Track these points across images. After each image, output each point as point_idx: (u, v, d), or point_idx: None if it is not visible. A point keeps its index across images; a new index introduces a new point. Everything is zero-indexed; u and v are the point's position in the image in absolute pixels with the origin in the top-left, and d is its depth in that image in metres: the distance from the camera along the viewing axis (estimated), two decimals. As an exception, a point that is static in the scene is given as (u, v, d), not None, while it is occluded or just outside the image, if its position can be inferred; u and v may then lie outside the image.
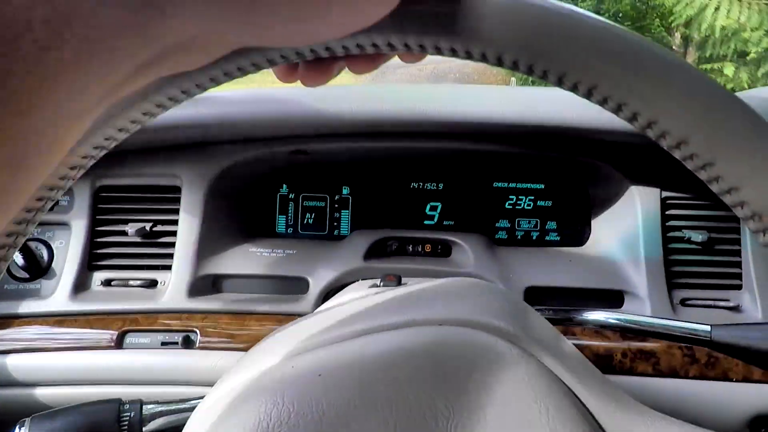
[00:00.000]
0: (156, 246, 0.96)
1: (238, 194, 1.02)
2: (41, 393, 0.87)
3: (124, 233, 0.94)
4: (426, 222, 1.05)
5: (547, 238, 1.04)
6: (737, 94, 0.92)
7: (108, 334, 0.88)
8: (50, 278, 0.93)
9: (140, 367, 0.87)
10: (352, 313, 0.55)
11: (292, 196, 1.06)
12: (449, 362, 0.45)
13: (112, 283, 0.94)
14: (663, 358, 0.84)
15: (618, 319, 0.76)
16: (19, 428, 0.64)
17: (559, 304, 0.93)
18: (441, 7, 0.30)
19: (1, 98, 0.20)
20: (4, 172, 0.22)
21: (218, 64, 0.32)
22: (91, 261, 0.94)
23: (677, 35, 10.99)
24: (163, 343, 0.88)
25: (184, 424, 0.51)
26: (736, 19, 6.52)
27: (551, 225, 1.04)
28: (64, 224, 0.94)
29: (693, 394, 0.82)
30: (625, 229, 0.95)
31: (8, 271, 0.92)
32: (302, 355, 0.48)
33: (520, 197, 1.04)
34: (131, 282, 0.94)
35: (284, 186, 1.06)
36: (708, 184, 0.32)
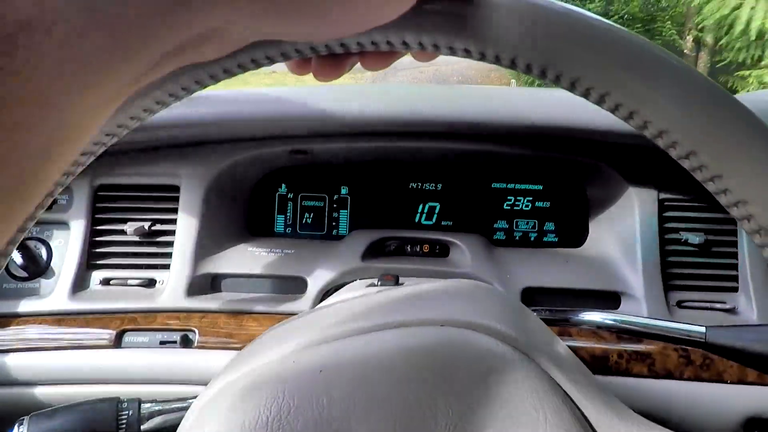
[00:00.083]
0: (155, 245, 0.96)
1: (236, 194, 1.02)
2: (40, 392, 0.87)
3: (122, 232, 0.94)
4: (424, 222, 1.05)
5: (545, 239, 1.04)
6: (739, 97, 0.92)
7: (106, 333, 0.88)
8: (49, 277, 0.93)
9: (139, 366, 0.87)
10: (354, 310, 0.55)
11: (290, 195, 1.06)
12: (450, 363, 0.45)
13: (111, 282, 0.94)
14: (658, 360, 0.84)
15: (613, 320, 0.76)
16: (18, 427, 0.64)
17: (556, 305, 0.93)
18: (457, 8, 0.31)
19: (32, 88, 0.20)
20: (35, 161, 0.22)
21: (233, 56, 0.32)
22: (89, 260, 0.95)
23: (689, 39, 10.84)
24: (162, 343, 0.88)
25: None
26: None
27: (549, 226, 1.04)
28: (62, 223, 0.95)
29: (688, 396, 0.83)
30: (622, 230, 0.95)
31: (7, 270, 0.92)
32: (304, 351, 0.48)
33: (518, 198, 1.05)
34: (130, 281, 0.94)
35: (283, 185, 1.06)
36: (716, 196, 0.32)
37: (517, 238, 1.05)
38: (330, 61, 0.37)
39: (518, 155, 0.97)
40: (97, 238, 0.95)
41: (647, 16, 11.45)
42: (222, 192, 0.98)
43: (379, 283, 0.85)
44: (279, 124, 0.93)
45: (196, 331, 0.89)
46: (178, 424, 0.48)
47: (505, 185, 1.05)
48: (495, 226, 1.05)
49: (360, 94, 0.94)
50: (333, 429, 0.40)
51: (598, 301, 0.93)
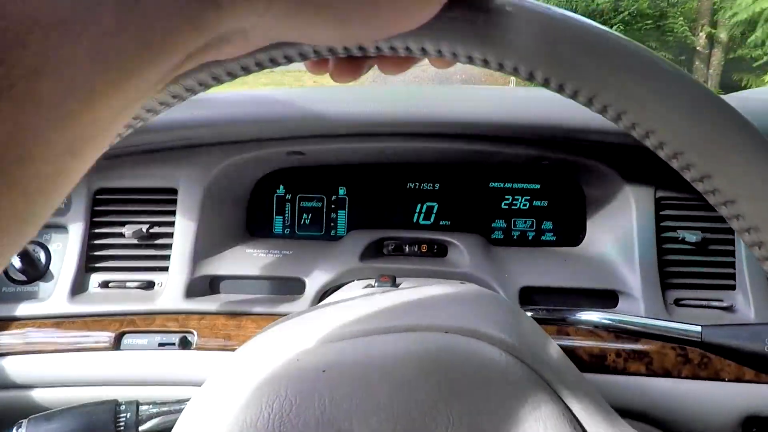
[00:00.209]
0: (153, 248, 0.97)
1: (234, 195, 1.02)
2: (39, 394, 0.87)
3: (121, 235, 0.95)
4: (422, 222, 1.06)
5: (543, 238, 1.04)
6: (727, 97, 0.92)
7: (105, 336, 0.88)
8: (48, 281, 0.94)
9: (138, 368, 0.87)
10: (358, 312, 0.55)
11: (288, 196, 1.06)
12: (453, 370, 0.45)
13: (110, 285, 0.95)
14: (656, 359, 0.84)
15: (610, 320, 0.77)
16: (17, 429, 0.65)
17: (554, 304, 0.93)
18: (478, 18, 0.31)
19: (64, 87, 0.21)
20: (63, 159, 0.23)
21: (252, 54, 0.32)
22: (88, 263, 0.95)
23: (702, 35, 10.74)
24: (161, 344, 0.89)
25: None
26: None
27: (547, 225, 1.04)
28: (61, 227, 0.95)
29: (686, 395, 0.83)
30: (619, 229, 0.95)
31: (6, 273, 0.92)
32: (307, 350, 0.48)
33: (515, 197, 1.05)
34: (128, 284, 0.94)
35: (281, 187, 1.06)
36: (705, 195, 0.33)
37: (515, 237, 1.05)
38: (348, 62, 0.37)
39: (515, 155, 0.97)
40: (96, 242, 0.96)
41: (656, 11, 11.33)
42: (220, 194, 0.98)
43: (376, 283, 0.85)
44: (276, 126, 0.93)
45: (195, 332, 0.89)
46: None
47: (502, 185, 1.05)
48: (493, 225, 1.05)
49: (357, 95, 0.94)
50: (334, 429, 0.40)
51: (595, 300, 0.93)
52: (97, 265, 0.95)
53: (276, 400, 0.41)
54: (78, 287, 0.93)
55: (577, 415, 0.48)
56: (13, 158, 0.20)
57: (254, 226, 1.06)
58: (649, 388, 0.83)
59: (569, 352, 0.84)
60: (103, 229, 0.96)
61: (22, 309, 0.91)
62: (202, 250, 0.95)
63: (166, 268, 0.95)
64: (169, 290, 0.93)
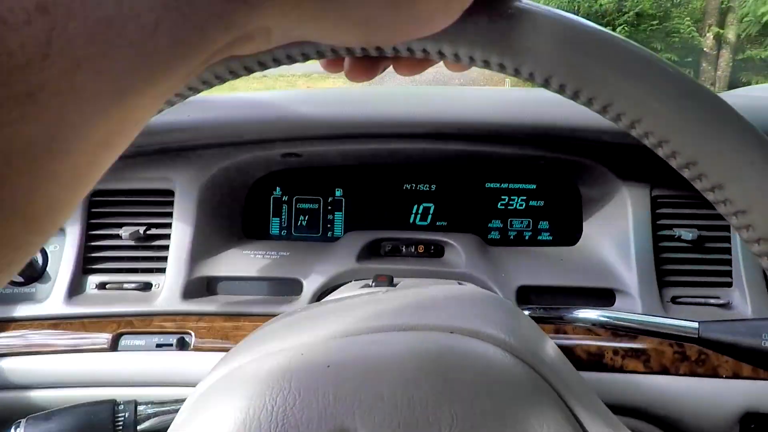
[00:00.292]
0: (150, 249, 0.97)
1: (231, 197, 1.02)
2: (37, 395, 0.87)
3: (118, 237, 0.95)
4: (419, 223, 1.06)
5: (540, 237, 1.05)
6: (722, 94, 0.93)
7: (103, 337, 0.88)
8: (45, 282, 0.94)
9: (135, 369, 0.87)
10: (363, 309, 0.55)
11: (285, 198, 1.06)
12: (457, 370, 0.45)
13: (107, 286, 0.94)
14: (653, 356, 0.84)
15: (607, 317, 0.77)
16: (15, 429, 0.65)
17: (552, 303, 0.93)
18: (498, 24, 0.31)
19: (103, 83, 0.21)
20: (96, 150, 0.23)
21: (271, 51, 0.33)
22: (85, 265, 0.95)
23: (709, 36, 10.54)
24: (158, 345, 0.88)
25: None
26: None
27: (543, 225, 1.05)
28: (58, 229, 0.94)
29: (683, 392, 0.83)
30: (616, 227, 0.96)
31: (3, 274, 0.92)
32: (312, 345, 0.48)
33: (512, 197, 1.05)
34: (126, 285, 0.94)
35: (277, 188, 1.06)
36: (692, 182, 0.33)
37: (512, 237, 1.05)
38: (363, 62, 0.37)
39: (512, 155, 0.97)
40: (93, 243, 0.96)
41: (660, 12, 11.15)
42: (216, 195, 0.98)
43: (373, 284, 0.85)
44: (271, 128, 0.94)
45: (192, 333, 0.89)
46: None
47: (498, 185, 1.05)
48: (489, 225, 1.05)
49: (352, 96, 0.95)
50: (337, 424, 0.40)
51: (592, 299, 0.93)
52: (94, 266, 0.95)
53: (280, 393, 0.41)
54: (75, 289, 0.93)
55: (578, 416, 0.48)
56: (52, 151, 0.21)
57: (251, 228, 1.06)
58: (647, 386, 0.83)
59: (567, 350, 0.84)
60: (100, 231, 0.96)
61: (20, 310, 0.91)
62: (199, 252, 0.95)
63: (163, 270, 0.95)
64: (167, 291, 0.92)
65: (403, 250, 1.02)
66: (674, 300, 0.90)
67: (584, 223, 1.02)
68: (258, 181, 1.05)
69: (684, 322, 0.70)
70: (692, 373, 0.84)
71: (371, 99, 0.94)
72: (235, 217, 1.03)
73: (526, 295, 0.94)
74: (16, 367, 0.87)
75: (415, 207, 1.06)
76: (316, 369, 0.44)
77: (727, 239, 0.92)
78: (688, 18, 11.03)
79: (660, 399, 0.83)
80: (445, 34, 0.31)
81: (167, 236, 0.96)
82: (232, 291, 0.97)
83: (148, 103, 0.24)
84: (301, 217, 1.06)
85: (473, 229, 1.04)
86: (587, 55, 0.31)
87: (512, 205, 1.05)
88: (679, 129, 0.31)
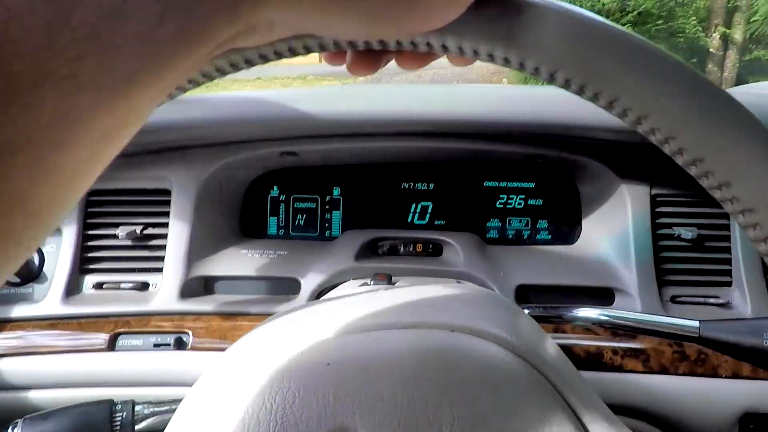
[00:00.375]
0: (147, 249, 0.96)
1: (228, 196, 1.02)
2: (34, 396, 0.87)
3: (114, 236, 0.94)
4: (417, 222, 1.05)
5: (538, 236, 1.04)
6: (730, 90, 0.92)
7: (100, 337, 0.88)
8: (42, 282, 0.93)
9: (133, 369, 0.87)
10: (362, 307, 0.55)
11: (282, 197, 1.06)
12: (458, 369, 0.45)
13: (104, 286, 0.94)
14: (653, 355, 0.84)
15: (607, 316, 0.76)
16: (12, 430, 0.64)
17: (550, 302, 0.93)
18: (503, 17, 0.31)
19: (108, 75, 0.21)
20: (101, 143, 0.23)
21: (273, 44, 0.32)
22: (82, 265, 0.95)
23: (715, 36, 10.33)
24: (156, 345, 0.88)
25: None
26: None
27: (542, 224, 1.04)
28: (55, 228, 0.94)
29: (683, 391, 0.83)
30: (615, 226, 0.95)
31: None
32: (312, 343, 0.48)
33: (510, 196, 1.05)
34: (123, 285, 0.94)
35: (275, 187, 1.06)
36: (698, 180, 0.33)
37: (510, 236, 1.05)
38: (366, 56, 0.37)
39: (510, 153, 0.97)
40: (89, 243, 0.95)
41: (664, 11, 10.93)
42: (213, 195, 0.98)
43: (372, 282, 0.85)
44: (268, 126, 0.93)
45: (190, 333, 0.89)
46: None
47: (497, 183, 1.05)
48: (488, 224, 1.05)
49: (349, 94, 0.94)
50: (337, 423, 0.39)
51: (591, 298, 0.93)
52: (91, 266, 0.95)
53: (279, 392, 0.41)
54: (72, 289, 0.93)
55: (579, 415, 0.48)
56: (53, 143, 0.21)
57: (248, 227, 1.05)
58: (646, 386, 0.83)
59: (566, 350, 0.84)
60: (97, 231, 0.96)
61: (16, 311, 0.90)
62: (196, 251, 0.95)
63: (160, 269, 0.94)
64: (164, 291, 0.92)
65: (401, 249, 1.02)
66: (674, 299, 0.90)
67: (583, 222, 1.02)
68: (255, 180, 1.05)
69: (684, 321, 0.70)
70: (691, 373, 0.83)
71: (369, 97, 0.93)
72: (232, 216, 1.03)
73: (524, 295, 0.94)
74: (12, 367, 0.87)
75: (413, 206, 1.05)
76: (316, 367, 0.43)
77: (727, 238, 0.92)
78: (694, 18, 10.80)
79: (659, 399, 0.83)
80: (450, 27, 0.31)
81: (164, 236, 0.95)
82: (230, 290, 0.97)
83: (152, 96, 0.24)
84: (299, 216, 1.06)
85: (472, 228, 1.04)
86: (594, 49, 0.31)
87: (511, 203, 1.04)
88: (686, 125, 0.31)
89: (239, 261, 0.97)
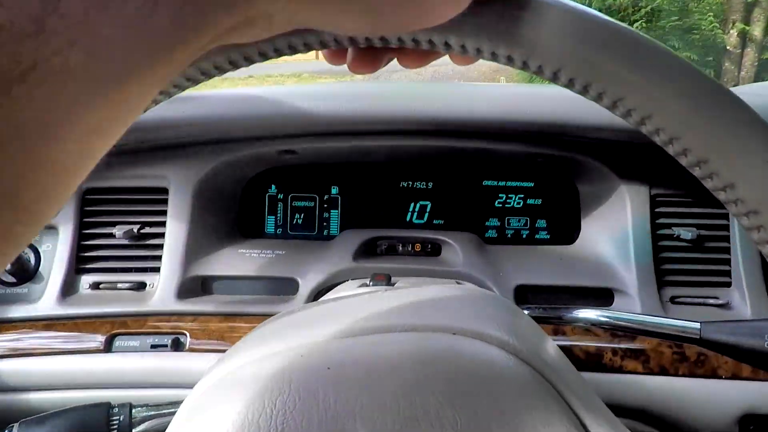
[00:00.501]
0: (144, 248, 0.96)
1: (226, 195, 1.01)
2: (30, 398, 0.86)
3: (111, 236, 0.94)
4: (415, 221, 1.05)
5: (537, 236, 1.04)
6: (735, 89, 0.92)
7: (97, 338, 0.87)
8: (38, 282, 0.92)
9: (130, 371, 0.86)
10: (364, 308, 0.54)
11: (280, 196, 1.05)
12: (461, 373, 0.44)
13: (101, 286, 0.93)
14: (653, 356, 0.84)
15: (608, 318, 0.76)
16: (7, 433, 0.64)
17: (550, 303, 0.93)
18: (506, 14, 0.31)
19: (96, 64, 0.20)
20: (92, 137, 0.22)
21: (272, 39, 0.32)
22: (78, 264, 0.94)
23: (733, 33, 10.05)
24: (153, 346, 0.87)
25: None
26: None
27: (541, 223, 1.04)
28: (50, 227, 0.94)
29: (683, 392, 0.82)
30: (614, 226, 0.95)
31: (-5, 275, 0.91)
32: (312, 346, 0.47)
33: (509, 195, 1.04)
34: (119, 285, 0.93)
35: (273, 186, 1.05)
36: (702, 181, 0.33)
37: (509, 235, 1.04)
38: (367, 54, 0.36)
39: (509, 152, 0.96)
40: (86, 242, 0.95)
41: (677, 6, 10.51)
42: (211, 193, 0.97)
43: (371, 283, 0.84)
44: (266, 124, 0.93)
45: (187, 334, 0.88)
46: None
47: (496, 183, 1.04)
48: (487, 224, 1.04)
49: (348, 92, 0.94)
50: (338, 428, 0.39)
51: (591, 299, 0.93)
52: (87, 266, 0.94)
53: (279, 396, 0.40)
54: (68, 289, 0.92)
55: (582, 420, 0.47)
56: (41, 136, 0.20)
57: (246, 226, 1.05)
58: (646, 387, 0.83)
59: (566, 351, 0.84)
60: (93, 230, 0.95)
61: (12, 311, 0.90)
62: (193, 251, 0.94)
63: (157, 269, 0.94)
64: (161, 291, 0.91)
65: (400, 248, 1.02)
66: (673, 300, 0.90)
67: (582, 222, 1.02)
68: (253, 179, 1.04)
69: (685, 323, 0.69)
70: (691, 374, 0.83)
71: (367, 95, 0.93)
72: (230, 215, 1.02)
73: (523, 295, 0.93)
74: (8, 369, 0.86)
75: (412, 205, 1.05)
76: (317, 371, 0.43)
77: (727, 239, 0.92)
78: (710, 13, 10.31)
79: (659, 400, 0.83)
80: (452, 24, 0.30)
81: (161, 235, 0.94)
82: (228, 290, 0.96)
83: (146, 89, 0.24)
84: (297, 215, 1.05)
85: (470, 227, 1.04)
86: (599, 48, 0.30)
87: (510, 203, 1.04)
88: (691, 126, 0.31)
89: (237, 260, 0.97)
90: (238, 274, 0.96)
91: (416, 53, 0.36)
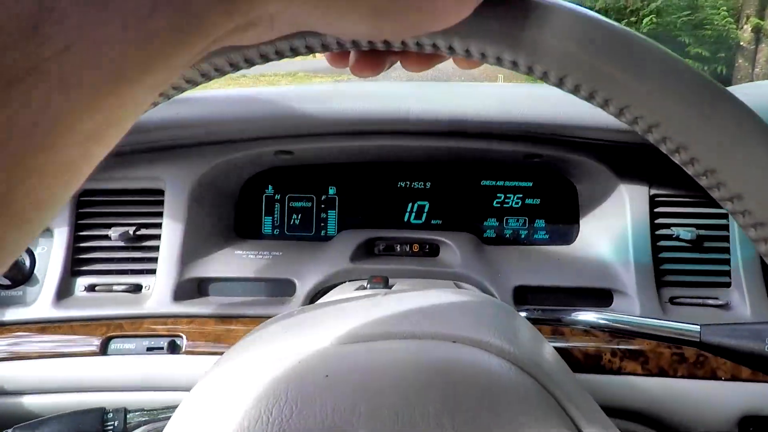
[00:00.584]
0: (140, 250, 0.95)
1: (223, 196, 1.01)
2: (25, 401, 0.86)
3: (107, 238, 0.93)
4: (413, 221, 1.04)
5: (536, 236, 1.04)
6: (732, 88, 0.91)
7: (92, 341, 0.87)
8: (33, 285, 0.92)
9: (125, 374, 0.86)
10: (361, 314, 0.54)
11: (278, 197, 1.05)
12: (460, 382, 0.44)
13: (96, 288, 0.93)
14: (652, 358, 0.83)
15: (607, 320, 0.76)
16: (1, 439, 0.63)
17: (548, 304, 0.93)
18: (511, 19, 0.30)
19: (93, 70, 0.20)
20: (90, 143, 0.22)
21: (273, 42, 0.31)
22: (74, 267, 0.93)
23: (747, 28, 9.81)
24: (149, 349, 0.87)
25: None
26: None
27: (540, 223, 1.03)
28: (45, 230, 0.93)
29: (682, 394, 0.82)
30: (613, 227, 0.95)
31: (-11, 278, 0.91)
32: (310, 352, 0.47)
33: (508, 195, 1.04)
34: (115, 287, 0.93)
35: (270, 187, 1.05)
36: (709, 191, 0.32)
37: (508, 236, 1.04)
38: (370, 57, 0.36)
39: (507, 152, 0.96)
40: (81, 244, 0.94)
41: (685, 1, 10.24)
42: (207, 195, 0.97)
43: (368, 285, 0.84)
44: (263, 125, 0.92)
45: (184, 336, 0.88)
46: None
47: (494, 183, 1.04)
48: (485, 224, 1.04)
49: (345, 92, 0.93)
50: None
51: (590, 299, 0.92)
52: (83, 268, 0.94)
53: (276, 404, 0.39)
54: (63, 291, 0.91)
55: (581, 428, 0.47)
56: (36, 144, 0.20)
57: (243, 227, 1.04)
58: (645, 388, 0.83)
59: (564, 352, 0.84)
60: (89, 232, 0.95)
61: (7, 314, 0.89)
62: (190, 252, 0.94)
63: (153, 271, 0.93)
64: (157, 293, 0.91)
65: (398, 249, 1.01)
66: (672, 300, 0.90)
67: (581, 222, 1.01)
68: (250, 180, 1.04)
69: (685, 325, 0.69)
70: (691, 375, 0.83)
71: (365, 95, 0.92)
72: (226, 216, 1.02)
73: (522, 295, 0.93)
74: (3, 372, 0.85)
75: (410, 205, 1.04)
76: (314, 379, 0.42)
77: (726, 239, 0.91)
78: (724, 8, 10.06)
79: (658, 401, 0.82)
80: (457, 28, 0.30)
81: (157, 237, 0.94)
82: (224, 292, 0.96)
83: (143, 93, 0.23)
84: (294, 216, 1.05)
85: (468, 227, 1.03)
86: (606, 54, 0.30)
87: (508, 203, 1.04)
88: (698, 135, 0.30)
89: (234, 262, 0.96)
90: (235, 276, 0.95)
91: (420, 56, 0.36)
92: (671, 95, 0.30)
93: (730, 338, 0.65)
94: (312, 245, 1.01)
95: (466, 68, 0.37)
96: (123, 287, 0.93)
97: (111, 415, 0.67)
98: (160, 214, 0.94)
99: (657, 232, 0.92)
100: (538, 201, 1.03)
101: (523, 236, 1.04)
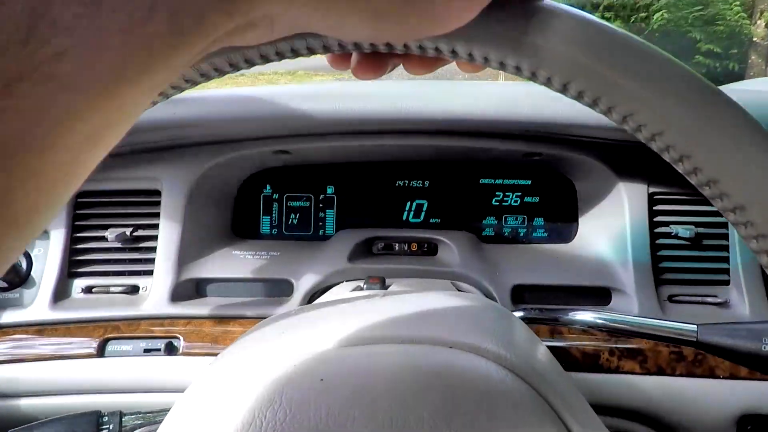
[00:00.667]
0: (137, 251, 0.95)
1: (220, 196, 1.01)
2: (22, 404, 0.85)
3: (104, 239, 0.93)
4: (412, 220, 1.04)
5: (534, 234, 1.03)
6: (723, 87, 0.91)
7: (89, 342, 0.87)
8: (29, 287, 0.92)
9: (123, 376, 0.86)
10: (358, 317, 0.53)
11: (276, 196, 1.05)
12: (456, 388, 0.43)
13: (93, 290, 0.93)
14: (650, 356, 0.83)
15: (605, 320, 0.75)
16: (-4, 442, 0.63)
17: (546, 302, 0.92)
18: (515, 24, 0.30)
19: (90, 72, 0.20)
20: (86, 146, 0.22)
21: (274, 43, 0.31)
22: (70, 268, 0.93)
23: (761, 23, 9.67)
24: (146, 350, 0.87)
25: None
26: None
27: (538, 222, 1.03)
28: (42, 231, 0.93)
29: (680, 393, 0.82)
30: (612, 225, 0.94)
31: (-14, 281, 0.90)
32: (304, 356, 0.46)
33: (506, 194, 1.03)
34: (112, 288, 0.93)
35: (268, 186, 1.04)
36: (712, 201, 0.32)
37: (506, 234, 1.04)
38: (371, 59, 0.36)
39: (506, 150, 0.95)
40: (78, 246, 0.94)
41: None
42: (205, 195, 0.96)
43: (365, 285, 0.84)
44: (261, 124, 0.92)
45: (181, 337, 0.87)
46: None
47: (493, 181, 1.03)
48: (484, 222, 1.04)
49: (343, 91, 0.93)
50: None
51: (588, 298, 0.92)
52: (79, 270, 0.94)
53: (270, 408, 0.39)
54: (60, 293, 0.91)
55: None
56: (33, 147, 0.19)
57: (241, 227, 1.04)
58: (643, 387, 0.83)
59: (562, 351, 0.83)
60: (86, 233, 0.94)
61: (3, 316, 0.89)
62: (187, 253, 0.94)
63: (150, 272, 0.93)
64: (154, 294, 0.91)
65: (396, 248, 1.01)
66: (671, 299, 0.89)
67: (580, 221, 1.01)
68: (248, 179, 1.03)
69: (682, 325, 0.69)
70: (689, 374, 0.83)
71: (363, 94, 0.92)
72: (224, 216, 1.02)
73: (520, 294, 0.92)
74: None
75: (408, 204, 1.04)
76: (309, 382, 0.42)
77: (725, 237, 0.91)
78: (737, 2, 9.63)
79: (656, 400, 0.82)
80: (460, 32, 0.30)
81: (154, 237, 0.94)
82: (222, 293, 0.96)
83: (141, 96, 0.23)
84: (292, 216, 1.05)
85: (467, 226, 1.03)
86: (610, 61, 0.30)
87: (507, 201, 1.03)
88: (703, 146, 0.30)
89: (231, 262, 0.96)
90: (233, 276, 0.95)
91: (423, 59, 0.36)
92: (676, 104, 0.30)
93: (728, 338, 0.65)
94: (310, 245, 1.01)
95: (470, 71, 0.37)
96: (120, 289, 0.93)
97: (106, 418, 0.67)
98: (157, 215, 0.94)
99: (656, 230, 0.92)
100: (536, 199, 1.03)
101: (521, 235, 1.04)
